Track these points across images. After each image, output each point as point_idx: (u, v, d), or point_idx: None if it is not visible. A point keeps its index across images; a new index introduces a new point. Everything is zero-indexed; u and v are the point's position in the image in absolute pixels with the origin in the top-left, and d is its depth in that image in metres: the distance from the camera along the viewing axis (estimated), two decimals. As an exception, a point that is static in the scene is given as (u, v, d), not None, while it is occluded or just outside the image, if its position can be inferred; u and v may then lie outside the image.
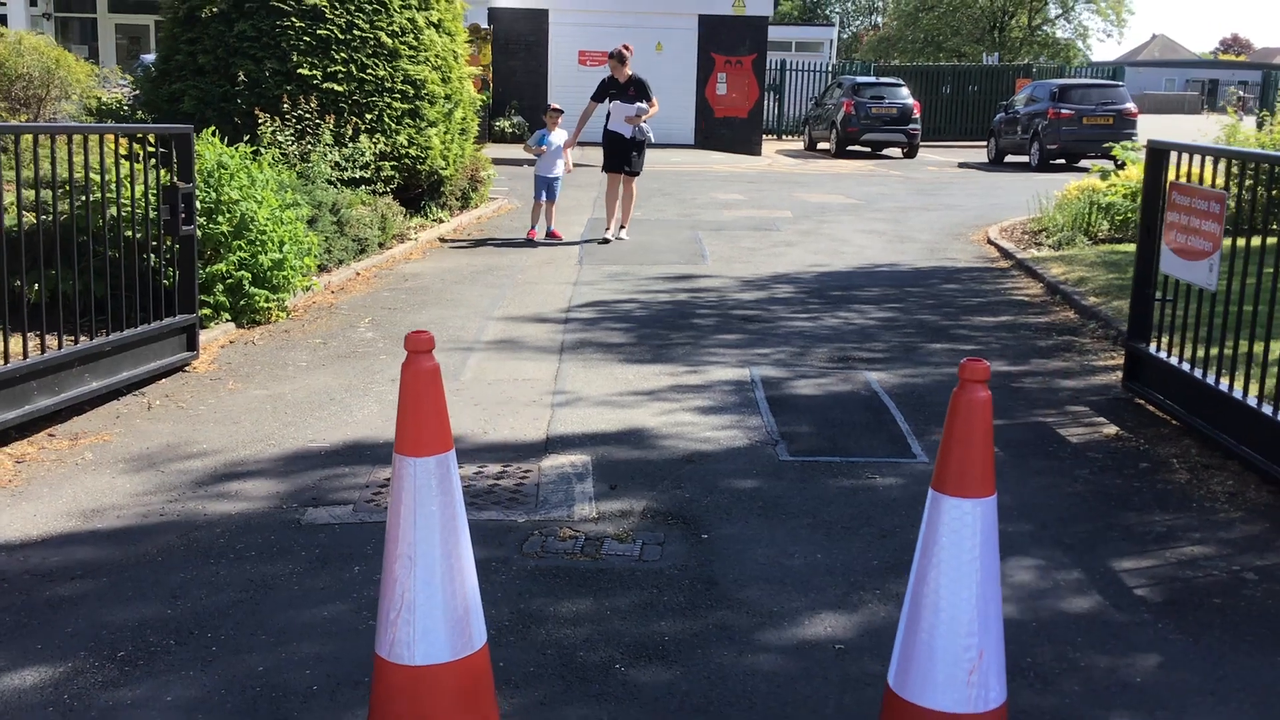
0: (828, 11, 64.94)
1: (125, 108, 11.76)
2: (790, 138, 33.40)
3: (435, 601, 2.56)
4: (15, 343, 5.51)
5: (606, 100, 12.09)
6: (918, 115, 27.08)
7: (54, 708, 3.22)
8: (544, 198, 12.06)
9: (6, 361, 5.34)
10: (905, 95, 27.27)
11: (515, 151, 23.89)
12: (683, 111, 27.92)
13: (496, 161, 21.44)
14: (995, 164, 25.07)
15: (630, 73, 11.91)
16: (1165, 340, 6.08)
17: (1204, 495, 4.93)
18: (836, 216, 14.89)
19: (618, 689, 3.35)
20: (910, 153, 27.05)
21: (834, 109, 27.60)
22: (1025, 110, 24.27)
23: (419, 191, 12.23)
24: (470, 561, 2.65)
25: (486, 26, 25.82)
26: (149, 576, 4.07)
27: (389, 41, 11.16)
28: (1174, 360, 5.91)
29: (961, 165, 24.68)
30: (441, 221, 12.40)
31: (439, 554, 2.56)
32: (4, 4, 23.98)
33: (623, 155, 12.01)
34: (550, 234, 12.10)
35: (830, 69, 34.36)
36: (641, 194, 17.31)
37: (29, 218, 6.72)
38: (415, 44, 11.42)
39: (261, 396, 6.27)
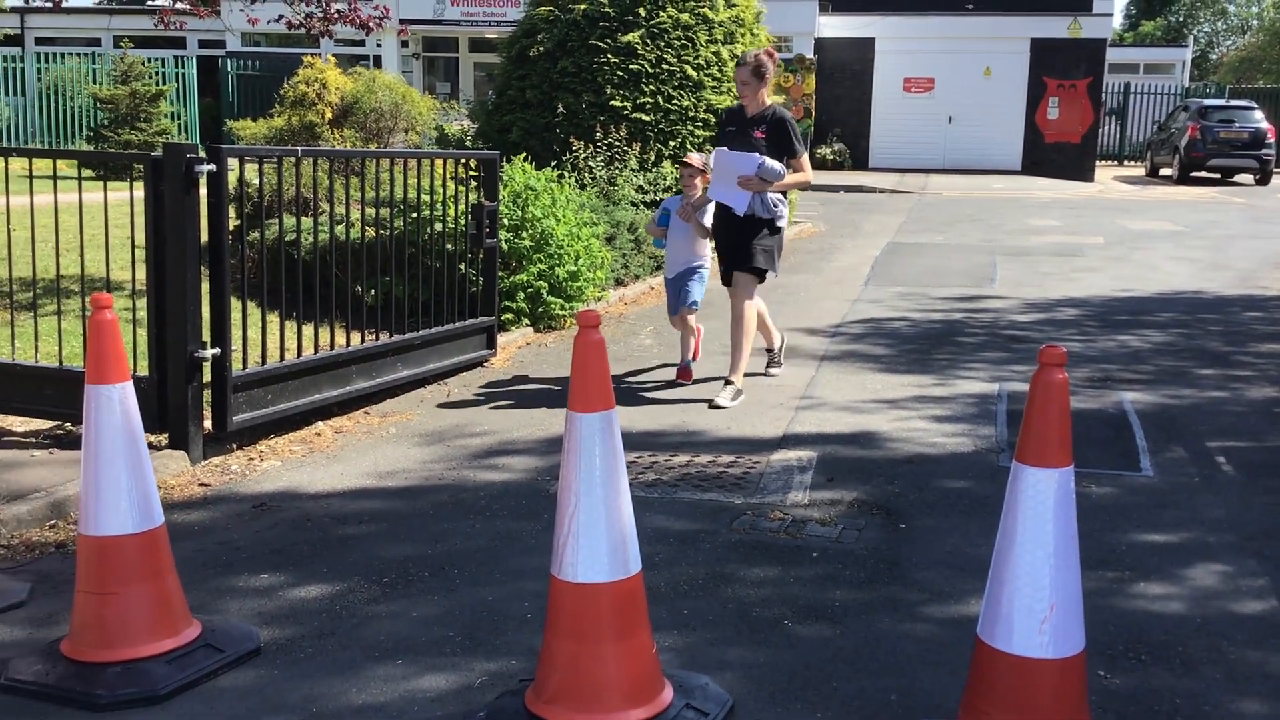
0: (1195, 33, 61.16)
1: (467, 138, 13.17)
2: (1132, 163, 32.01)
3: (596, 532, 3.11)
4: (343, 336, 6.58)
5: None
6: (1272, 140, 25.35)
7: (327, 613, 4.02)
8: (676, 309, 7.31)
9: (332, 348, 6.39)
10: (1259, 119, 25.62)
11: (834, 178, 24.35)
12: (1010, 136, 27.47)
13: (814, 188, 21.98)
14: (1360, 191, 23.13)
15: (768, 102, 6.83)
16: None
17: None
18: (1152, 243, 14.42)
19: (780, 639, 3.79)
20: (1263, 179, 25.38)
21: (1178, 133, 26.30)
22: (1396, 133, 22.26)
23: (720, 214, 12.92)
24: (627, 501, 3.18)
25: (811, 56, 26.40)
26: (419, 525, 4.87)
27: (694, 74, 11.96)
28: None
29: (1320, 192, 22.93)
30: (741, 243, 13.04)
31: (600, 493, 3.11)
32: (379, 45, 26.92)
33: (735, 246, 6.87)
34: (680, 371, 7.27)
35: (1180, 92, 32.60)
36: (948, 219, 17.42)
37: (370, 232, 7.87)
38: (719, 75, 12.16)
39: (542, 390, 7.09)
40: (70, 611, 3.65)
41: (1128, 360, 7.83)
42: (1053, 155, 26.97)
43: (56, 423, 5.83)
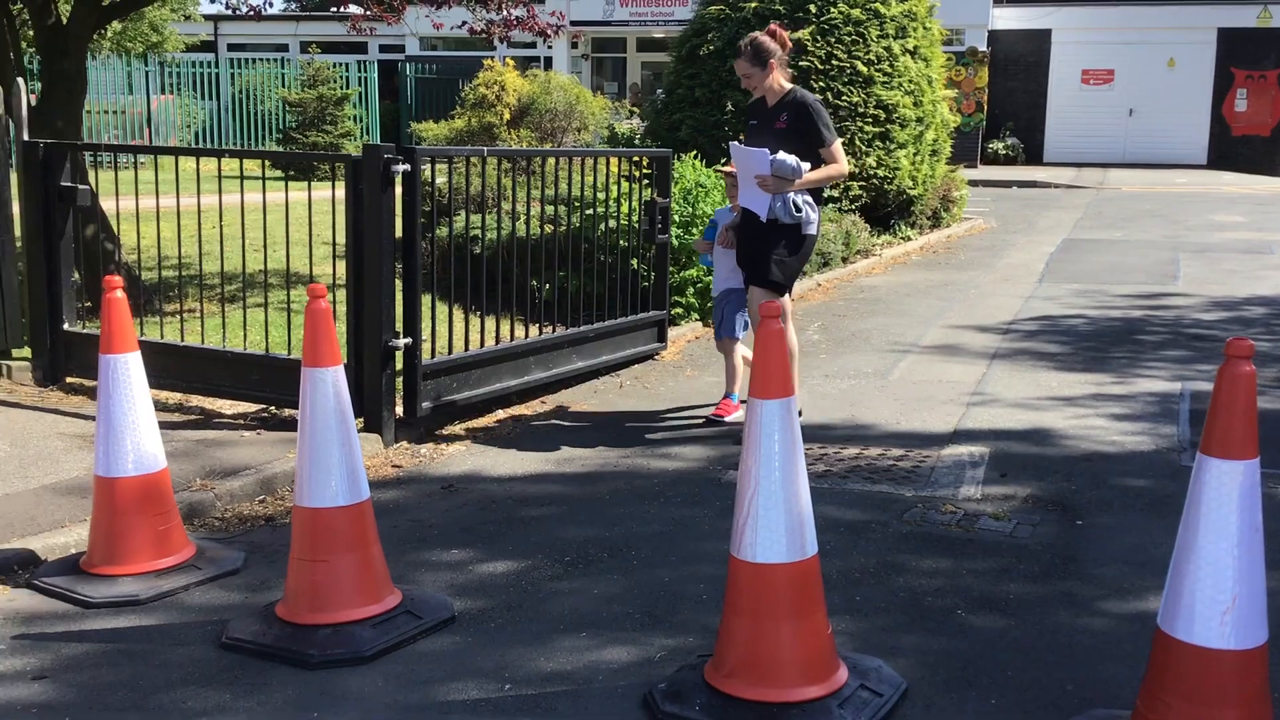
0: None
1: (636, 136, 13.41)
2: (1328, 157, 30.35)
3: (774, 514, 3.23)
4: (521, 328, 6.85)
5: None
6: None
7: (514, 588, 4.25)
8: (734, 330, 6.44)
9: (512, 339, 6.66)
10: None
11: (1006, 173, 23.84)
12: (1194, 129, 26.42)
13: (985, 183, 21.63)
14: None
15: (787, 86, 5.97)
16: None
17: None
18: (1348, 240, 13.74)
19: (953, 628, 3.84)
20: None
21: (1380, 124, 24.92)
22: None
23: (888, 210, 12.86)
24: (805, 485, 3.29)
25: (984, 49, 25.87)
26: (597, 509, 5.07)
27: (864, 70, 11.93)
28: None
29: None
30: (909, 239, 12.95)
31: (778, 477, 3.22)
32: (550, 47, 27.52)
33: (754, 255, 5.97)
34: (714, 413, 6.35)
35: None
36: (1128, 215, 16.89)
37: (546, 228, 8.14)
38: (890, 70, 12.10)
39: (712, 382, 7.23)
40: (281, 578, 3.95)
41: (1320, 360, 7.54)
42: (1240, 149, 25.85)
43: (262, 405, 6.24)
